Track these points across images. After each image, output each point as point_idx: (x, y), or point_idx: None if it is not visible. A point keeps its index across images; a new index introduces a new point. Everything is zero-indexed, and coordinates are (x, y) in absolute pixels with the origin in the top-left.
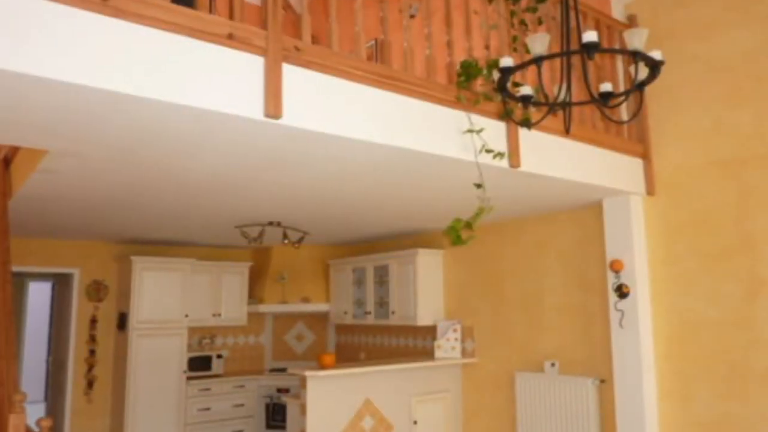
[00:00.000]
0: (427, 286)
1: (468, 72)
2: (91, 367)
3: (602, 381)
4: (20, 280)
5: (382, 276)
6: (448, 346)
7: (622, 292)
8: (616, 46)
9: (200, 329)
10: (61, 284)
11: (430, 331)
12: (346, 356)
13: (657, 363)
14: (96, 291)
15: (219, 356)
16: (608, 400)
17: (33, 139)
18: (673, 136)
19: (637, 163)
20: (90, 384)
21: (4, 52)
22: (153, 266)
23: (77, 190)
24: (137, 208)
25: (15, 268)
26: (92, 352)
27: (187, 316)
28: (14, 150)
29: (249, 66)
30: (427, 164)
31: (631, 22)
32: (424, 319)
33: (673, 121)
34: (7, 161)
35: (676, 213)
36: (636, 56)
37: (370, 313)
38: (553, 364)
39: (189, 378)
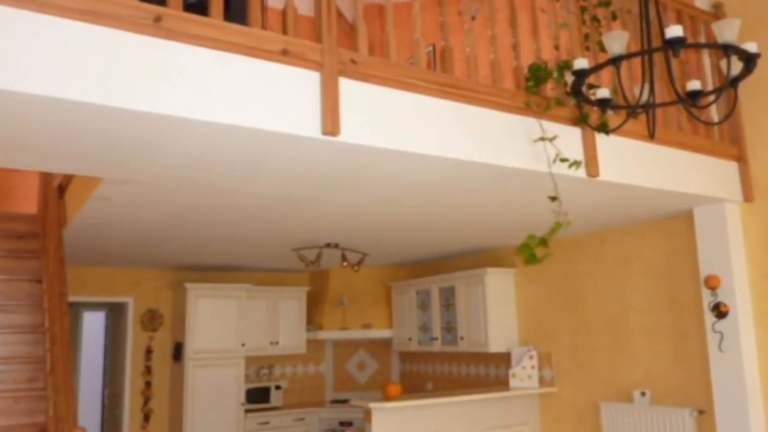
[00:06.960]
0: (498, 309)
1: (537, 75)
2: (147, 400)
3: (701, 412)
4: (75, 311)
5: (448, 298)
6: (524, 374)
7: (719, 311)
8: (702, 39)
9: (257, 359)
10: (114, 313)
11: (504, 359)
12: (412, 386)
13: (765, 391)
14: (150, 320)
15: (278, 387)
16: None
17: (87, 167)
18: None
19: (731, 167)
20: (146, 417)
21: (60, 81)
22: (208, 293)
23: (131, 217)
24: (191, 233)
25: (70, 299)
26: (148, 384)
27: (243, 345)
28: (68, 178)
29: (304, 82)
30: (496, 177)
31: (717, 10)
32: (496, 345)
33: None
34: (62, 189)
35: None
36: (727, 50)
37: (436, 339)
38: (643, 394)
39: (247, 411)
